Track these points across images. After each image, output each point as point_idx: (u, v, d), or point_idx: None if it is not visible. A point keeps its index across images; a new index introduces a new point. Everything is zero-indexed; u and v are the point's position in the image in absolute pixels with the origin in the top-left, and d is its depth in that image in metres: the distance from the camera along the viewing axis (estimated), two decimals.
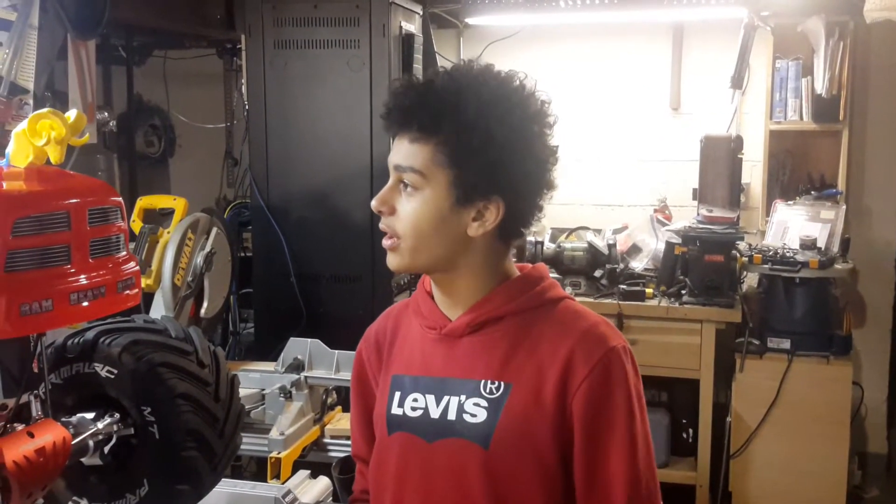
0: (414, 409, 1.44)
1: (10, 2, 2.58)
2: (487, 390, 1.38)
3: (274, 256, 3.48)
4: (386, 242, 1.42)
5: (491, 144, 1.34)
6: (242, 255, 3.71)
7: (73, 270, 1.35)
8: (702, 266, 3.95)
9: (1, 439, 1.33)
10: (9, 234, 1.28)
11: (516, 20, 4.44)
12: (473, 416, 1.38)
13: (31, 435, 1.36)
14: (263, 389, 2.64)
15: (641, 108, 4.60)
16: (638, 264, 4.29)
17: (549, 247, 4.15)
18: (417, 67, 3.52)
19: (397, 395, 1.47)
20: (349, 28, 3.33)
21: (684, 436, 4.10)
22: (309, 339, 2.69)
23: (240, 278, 3.63)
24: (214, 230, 2.93)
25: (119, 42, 4.06)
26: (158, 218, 2.93)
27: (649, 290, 4.03)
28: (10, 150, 1.40)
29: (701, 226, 4.01)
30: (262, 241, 3.53)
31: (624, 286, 4.04)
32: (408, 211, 1.38)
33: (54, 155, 1.38)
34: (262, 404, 2.62)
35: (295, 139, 3.45)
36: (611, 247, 4.13)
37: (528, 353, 1.39)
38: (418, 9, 3.67)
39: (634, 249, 4.37)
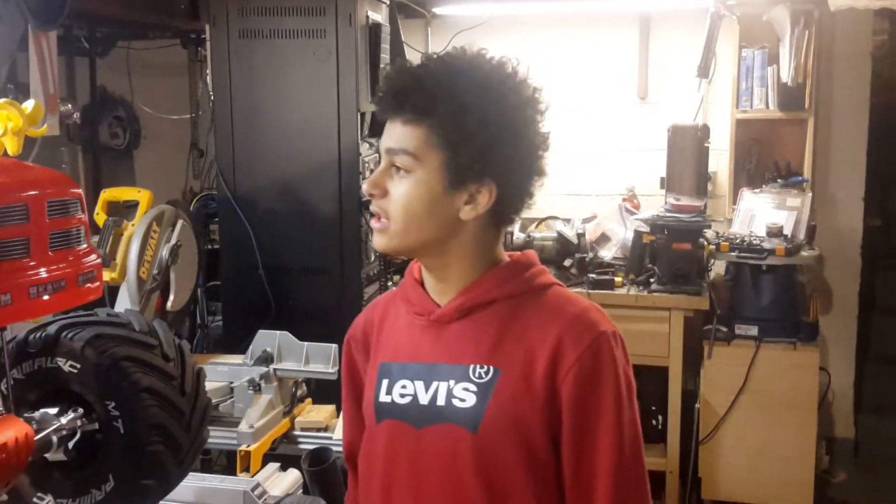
0: (402, 395, 1.42)
1: None
2: (476, 375, 1.37)
3: (241, 248, 3.45)
4: (375, 224, 1.40)
5: (485, 127, 1.32)
6: (210, 247, 3.68)
7: (32, 264, 1.34)
8: (670, 254, 3.97)
9: None
10: None
11: (483, 9, 4.43)
12: (462, 401, 1.37)
13: None
14: (232, 382, 2.63)
15: (609, 98, 4.61)
16: (607, 253, 4.31)
17: (518, 236, 4.16)
18: (384, 57, 3.50)
19: (385, 382, 1.45)
20: (315, 18, 3.30)
21: (654, 423, 4.12)
22: (278, 332, 2.68)
23: (207, 271, 3.61)
24: (180, 222, 2.91)
25: (82, 33, 4.00)
26: (123, 211, 2.90)
27: (618, 279, 4.05)
28: None
29: (669, 214, 4.03)
30: (230, 233, 3.50)
31: (593, 275, 4.06)
32: (400, 193, 1.36)
33: (12, 146, 1.36)
34: (231, 397, 2.61)
35: (261, 130, 3.42)
36: (580, 236, 4.15)
37: (517, 338, 1.37)
38: None
39: (603, 238, 4.39)
